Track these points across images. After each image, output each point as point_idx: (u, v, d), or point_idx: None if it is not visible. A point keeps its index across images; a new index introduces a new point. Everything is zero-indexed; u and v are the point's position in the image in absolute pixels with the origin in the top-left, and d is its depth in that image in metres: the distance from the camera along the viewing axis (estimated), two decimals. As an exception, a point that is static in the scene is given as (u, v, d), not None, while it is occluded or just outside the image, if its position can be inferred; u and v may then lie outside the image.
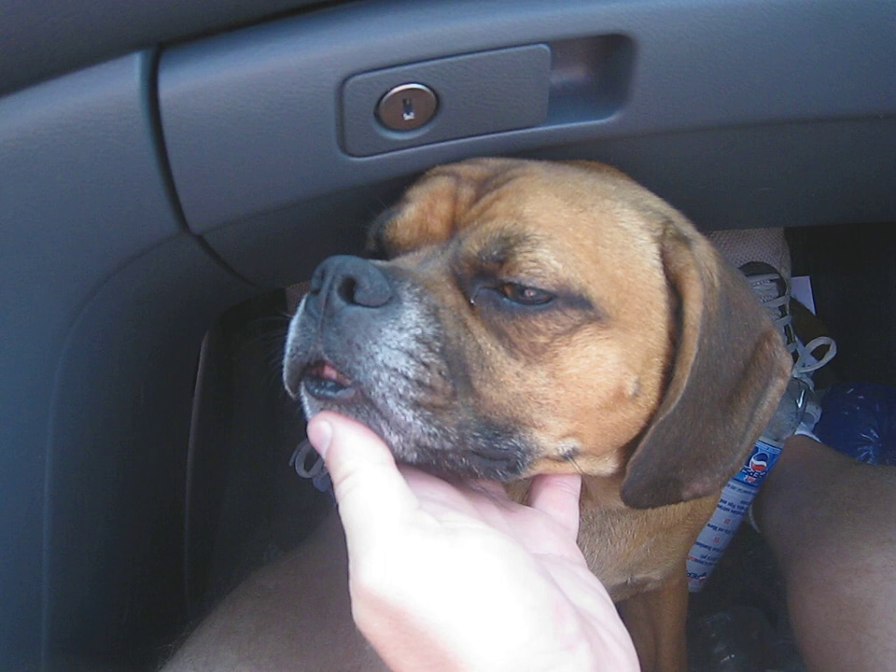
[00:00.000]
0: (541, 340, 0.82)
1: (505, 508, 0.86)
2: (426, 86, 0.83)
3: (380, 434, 0.76)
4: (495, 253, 0.82)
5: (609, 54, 0.88)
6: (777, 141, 1.00)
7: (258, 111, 0.83)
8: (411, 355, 0.76)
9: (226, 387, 1.88)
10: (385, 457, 0.74)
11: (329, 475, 1.84)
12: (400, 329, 0.77)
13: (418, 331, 0.78)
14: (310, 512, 1.87)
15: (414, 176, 0.95)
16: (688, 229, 0.92)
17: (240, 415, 1.96)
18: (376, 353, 0.76)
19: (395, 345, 0.76)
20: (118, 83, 0.79)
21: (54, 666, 1.12)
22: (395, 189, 0.94)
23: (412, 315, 0.78)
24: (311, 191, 0.92)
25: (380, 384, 0.75)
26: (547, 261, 0.81)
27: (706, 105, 0.91)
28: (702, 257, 0.88)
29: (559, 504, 0.89)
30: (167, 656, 1.09)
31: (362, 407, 0.76)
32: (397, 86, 0.83)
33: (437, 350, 0.78)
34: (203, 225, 0.94)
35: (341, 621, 1.09)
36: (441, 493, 0.79)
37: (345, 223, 0.98)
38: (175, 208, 0.89)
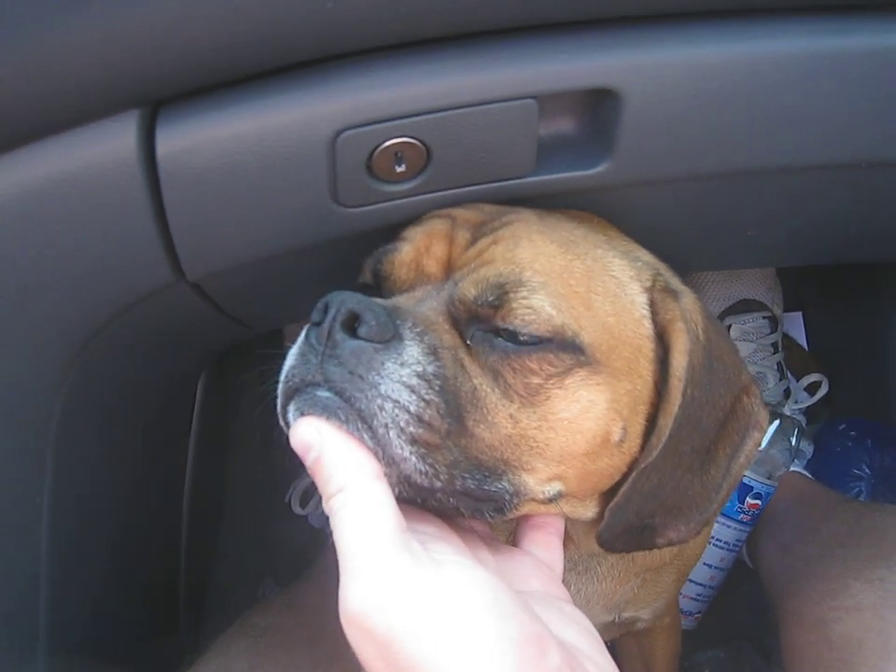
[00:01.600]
0: (536, 380, 0.82)
1: (492, 546, 0.86)
2: (416, 139, 0.85)
3: None
4: (490, 298, 0.83)
5: (595, 107, 0.90)
6: (763, 187, 1.02)
7: (252, 165, 0.84)
8: (412, 390, 0.76)
9: (222, 424, 1.89)
10: (378, 471, 0.73)
11: (323, 513, 1.85)
12: (402, 365, 0.77)
13: (419, 368, 0.77)
14: (306, 549, 1.87)
15: (407, 219, 0.96)
16: (675, 282, 0.93)
17: (236, 452, 1.97)
18: (379, 384, 0.75)
19: (397, 379, 0.76)
20: (116, 140, 0.81)
21: None
22: (391, 228, 0.96)
23: (413, 352, 0.78)
24: (305, 241, 0.94)
25: (383, 413, 0.75)
26: (542, 308, 0.82)
27: (691, 155, 0.93)
28: (688, 310, 0.89)
29: (544, 545, 0.89)
30: None
31: (354, 422, 0.74)
32: (388, 140, 0.84)
33: (436, 388, 0.78)
34: (199, 273, 0.95)
35: (334, 660, 1.09)
36: (431, 526, 0.79)
37: (340, 267, 1.00)
38: (171, 258, 0.91)
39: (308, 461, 0.73)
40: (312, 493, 1.82)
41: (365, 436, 0.74)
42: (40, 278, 0.90)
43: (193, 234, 0.90)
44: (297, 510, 1.83)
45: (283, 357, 0.82)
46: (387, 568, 0.64)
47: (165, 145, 0.82)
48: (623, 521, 0.90)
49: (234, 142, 0.83)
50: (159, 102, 0.82)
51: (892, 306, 1.88)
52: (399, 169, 0.88)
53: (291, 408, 0.79)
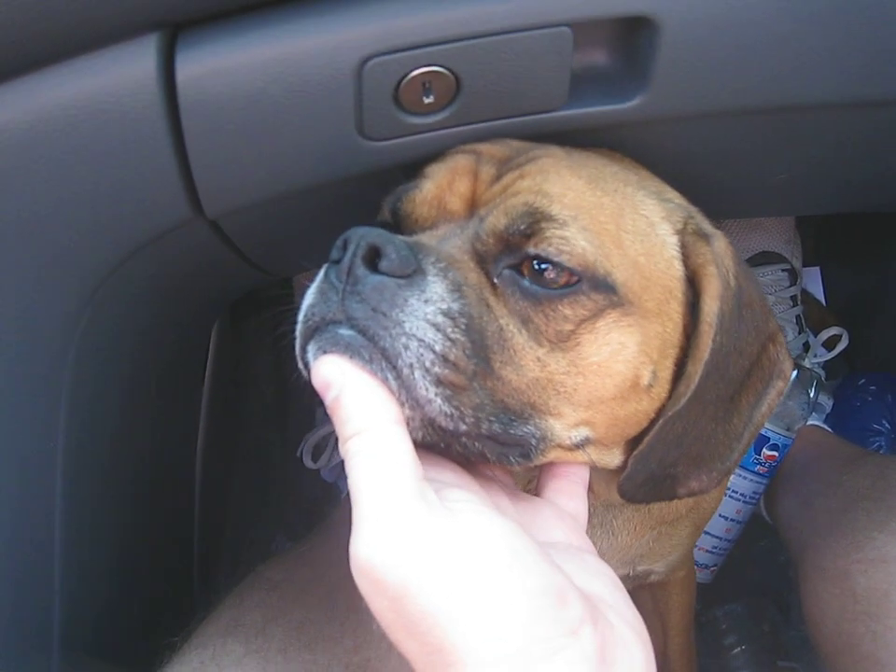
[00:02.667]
0: (568, 327, 0.81)
1: (514, 495, 0.84)
2: (446, 69, 0.82)
3: None
4: (522, 227, 0.81)
5: (630, 37, 0.87)
6: (799, 127, 0.99)
7: (275, 93, 0.81)
8: (437, 328, 0.74)
9: (234, 378, 1.87)
10: (399, 416, 0.71)
11: (336, 466, 1.84)
12: (426, 302, 0.75)
13: (444, 306, 0.75)
14: (318, 503, 1.86)
15: (434, 153, 0.93)
16: (707, 225, 0.91)
17: (248, 406, 1.96)
18: (403, 321, 0.73)
19: (422, 316, 0.74)
20: (134, 64, 0.78)
21: (66, 663, 1.12)
22: (414, 165, 0.93)
23: (437, 288, 0.76)
24: (329, 175, 0.91)
25: (408, 352, 0.73)
26: (575, 240, 0.80)
27: (728, 89, 0.90)
28: (720, 254, 0.87)
29: (568, 494, 0.88)
30: (173, 650, 1.08)
31: (378, 361, 0.73)
32: (416, 69, 0.81)
33: (462, 327, 0.76)
34: (219, 210, 0.93)
35: (349, 613, 1.08)
36: (448, 474, 0.77)
37: (361, 206, 0.97)
38: (190, 193, 0.88)
39: (328, 400, 0.71)
40: (323, 447, 1.81)
41: (389, 376, 0.73)
42: (54, 210, 0.87)
43: (213, 167, 0.87)
44: (308, 463, 1.82)
45: (294, 306, 0.80)
46: (401, 517, 0.63)
47: (185, 70, 0.79)
48: (646, 470, 0.89)
49: (257, 68, 0.80)
50: (178, 25, 0.79)
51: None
52: (428, 100, 0.84)
53: (311, 347, 0.77)
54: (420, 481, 0.66)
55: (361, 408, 0.69)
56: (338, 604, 1.11)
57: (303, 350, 0.79)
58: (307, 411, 1.84)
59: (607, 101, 0.90)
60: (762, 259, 1.95)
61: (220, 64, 0.80)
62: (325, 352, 0.74)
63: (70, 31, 0.75)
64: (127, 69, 0.79)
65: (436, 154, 0.92)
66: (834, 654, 1.19)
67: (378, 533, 0.62)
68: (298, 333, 0.79)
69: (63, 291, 0.95)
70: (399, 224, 0.91)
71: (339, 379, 0.71)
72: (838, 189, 1.25)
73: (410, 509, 0.63)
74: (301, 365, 0.81)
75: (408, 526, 0.63)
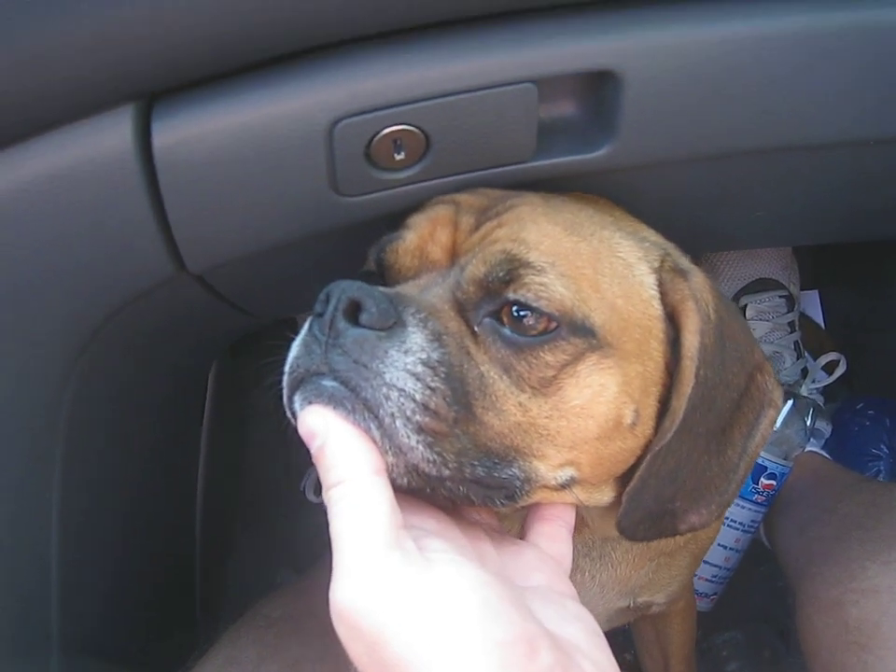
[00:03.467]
0: (550, 373, 0.82)
1: (497, 540, 0.85)
2: (415, 126, 0.84)
3: None
4: (501, 274, 0.82)
5: (595, 90, 0.89)
6: (768, 167, 1.01)
7: (250, 156, 0.84)
8: (417, 378, 0.76)
9: (236, 414, 1.89)
10: (380, 467, 0.72)
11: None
12: (406, 352, 0.76)
13: (424, 355, 0.77)
14: (322, 536, 1.87)
15: (408, 206, 0.95)
16: (684, 261, 0.92)
17: (250, 441, 1.97)
18: (384, 372, 0.75)
19: (402, 367, 0.76)
20: (112, 134, 0.81)
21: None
22: (395, 216, 0.95)
23: (417, 339, 0.77)
24: (305, 231, 0.93)
25: (389, 402, 0.74)
26: (553, 286, 0.81)
27: (693, 137, 0.92)
28: (698, 289, 0.88)
29: (552, 537, 0.88)
30: None
31: (360, 411, 0.74)
32: (386, 127, 0.84)
33: (442, 375, 0.77)
34: (201, 266, 0.95)
35: (345, 651, 1.09)
36: (432, 522, 0.78)
37: (344, 255, 0.99)
38: (172, 251, 0.91)
39: (313, 449, 0.73)
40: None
41: (371, 425, 0.74)
42: (40, 276, 0.90)
43: (193, 227, 0.89)
44: (311, 497, 1.83)
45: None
46: (377, 566, 0.64)
47: (161, 138, 0.82)
48: (643, 506, 0.89)
49: (231, 133, 0.83)
50: (154, 95, 0.82)
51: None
52: (399, 157, 0.87)
53: (297, 397, 0.78)
54: (397, 529, 0.67)
55: (343, 458, 0.71)
56: (334, 641, 1.10)
57: (290, 400, 0.80)
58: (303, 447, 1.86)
59: (575, 151, 0.92)
60: (758, 286, 1.95)
61: (195, 131, 0.82)
62: (310, 402, 0.76)
63: (50, 104, 0.78)
64: (105, 139, 0.81)
65: (412, 206, 0.94)
66: None
67: (355, 580, 0.64)
68: (284, 384, 0.81)
69: (53, 347, 0.97)
70: (383, 274, 0.93)
71: (323, 429, 0.73)
72: (819, 223, 1.26)
73: (386, 557, 0.65)
74: (288, 414, 0.82)
75: (383, 575, 0.64)
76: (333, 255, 1.04)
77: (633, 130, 0.90)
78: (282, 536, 1.97)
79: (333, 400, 0.75)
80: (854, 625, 1.14)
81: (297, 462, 1.95)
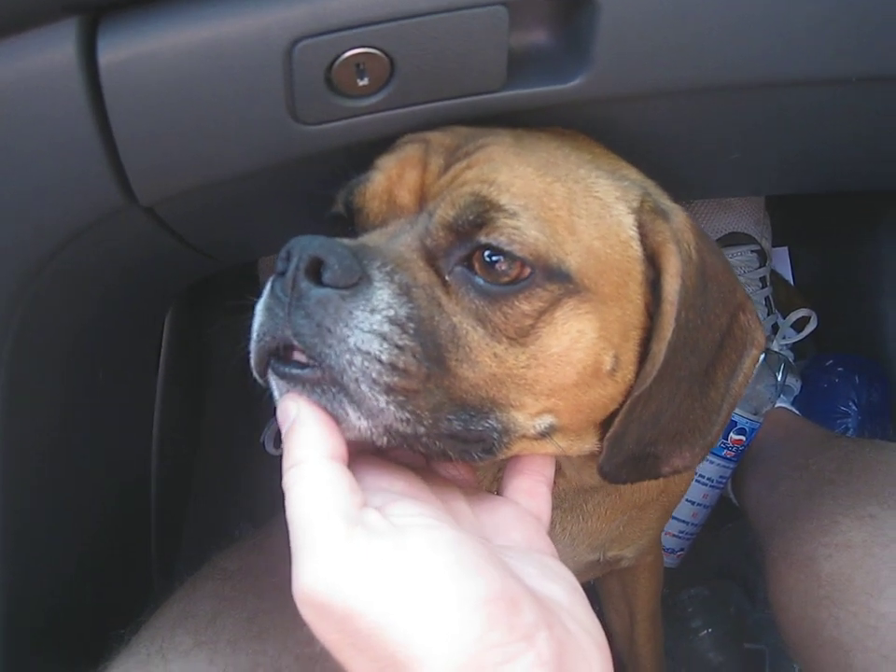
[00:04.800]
0: (528, 322, 0.80)
1: (473, 497, 0.84)
2: (379, 50, 0.80)
3: (347, 419, 0.74)
4: (471, 217, 0.79)
5: (570, 15, 0.85)
6: (747, 106, 0.97)
7: (203, 78, 0.79)
8: (384, 337, 0.74)
9: (197, 364, 1.86)
10: (336, 450, 0.72)
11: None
12: (372, 311, 0.74)
13: (391, 312, 0.75)
14: (280, 490, 1.84)
15: (385, 143, 0.91)
16: (665, 201, 0.90)
17: (213, 392, 1.94)
18: (348, 336, 0.73)
19: (367, 328, 0.74)
20: (54, 50, 0.76)
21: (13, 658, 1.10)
22: (363, 155, 0.91)
23: (383, 295, 0.75)
24: (262, 161, 0.89)
25: (353, 368, 0.73)
26: (527, 230, 0.79)
27: (671, 68, 0.88)
28: (679, 230, 0.86)
29: (530, 493, 0.87)
30: (121, 642, 1.06)
31: (329, 389, 0.74)
32: (348, 50, 0.79)
33: (410, 332, 0.75)
34: (152, 197, 0.90)
35: None
36: (401, 483, 0.77)
37: (306, 192, 0.95)
38: (120, 180, 0.86)
39: (283, 432, 0.74)
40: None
41: (342, 397, 0.74)
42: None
43: (142, 154, 0.85)
44: (270, 450, 1.81)
45: (256, 293, 0.80)
46: (339, 544, 0.64)
47: (107, 55, 0.77)
48: (625, 450, 0.88)
49: (183, 52, 0.78)
50: (99, 8, 0.77)
51: (879, 240, 1.86)
52: (362, 82, 0.82)
53: (272, 380, 0.78)
54: (357, 507, 0.67)
55: (299, 443, 0.71)
56: (292, 593, 1.10)
57: (261, 369, 0.79)
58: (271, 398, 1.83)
59: (548, 81, 0.88)
60: (730, 241, 1.95)
61: (144, 49, 0.77)
62: (285, 390, 0.76)
63: (-15, 15, 0.73)
64: (46, 55, 0.76)
65: (375, 136, 0.90)
66: (799, 639, 1.19)
67: (318, 561, 0.63)
68: (252, 351, 0.80)
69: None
70: (352, 218, 0.90)
71: (293, 413, 0.73)
72: (796, 169, 1.24)
73: (348, 534, 0.64)
74: (258, 378, 0.81)
75: (346, 553, 0.63)
76: (294, 191, 1.00)
77: (608, 59, 0.86)
78: (240, 488, 1.94)
79: (306, 387, 0.75)
80: (826, 580, 1.14)
81: (257, 413, 1.92)
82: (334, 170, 0.91)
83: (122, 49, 0.77)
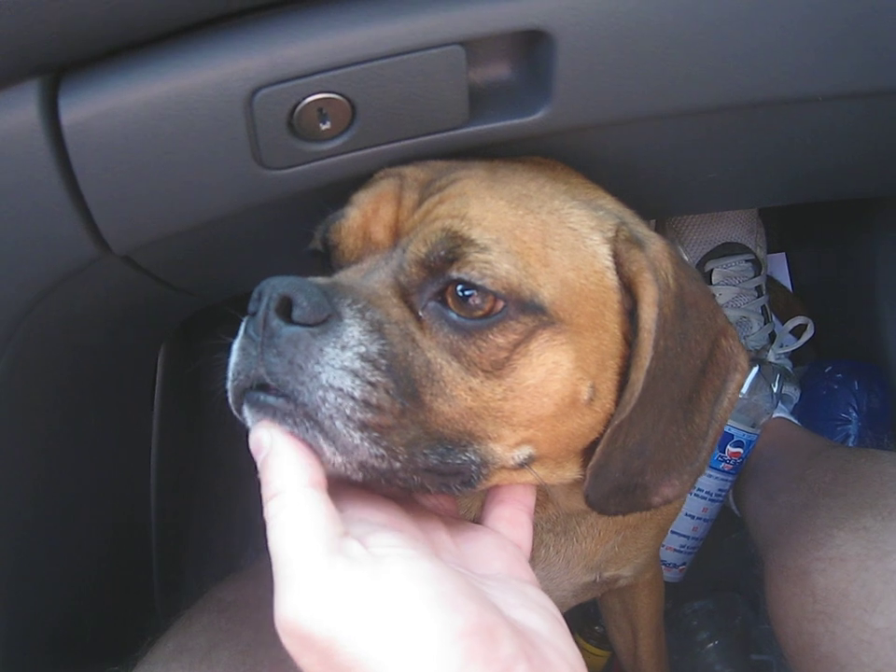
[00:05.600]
0: (503, 355, 0.80)
1: (454, 526, 0.84)
2: (338, 94, 0.81)
3: (322, 454, 0.74)
4: (443, 253, 0.80)
5: (528, 51, 0.86)
6: (712, 127, 0.98)
7: (166, 130, 0.81)
8: (356, 374, 0.74)
9: (193, 394, 1.86)
10: (315, 479, 0.71)
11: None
12: (343, 348, 0.75)
13: (362, 349, 0.75)
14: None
15: (361, 178, 0.92)
16: (642, 229, 0.90)
17: (209, 422, 1.95)
18: (319, 373, 0.74)
19: (338, 365, 0.74)
20: (16, 111, 0.78)
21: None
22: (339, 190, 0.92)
23: (353, 332, 0.76)
24: (231, 207, 0.90)
25: (326, 405, 0.73)
26: (499, 264, 0.79)
27: (632, 97, 0.89)
28: (656, 258, 0.86)
29: (511, 521, 0.87)
30: None
31: (302, 422, 0.74)
32: (308, 96, 0.81)
33: (382, 368, 0.75)
34: (126, 246, 0.92)
35: None
36: (381, 515, 0.77)
37: (281, 231, 0.96)
38: (92, 232, 0.88)
39: (258, 463, 0.73)
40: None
41: (316, 433, 0.74)
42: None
43: (112, 206, 0.86)
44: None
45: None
46: (320, 575, 0.63)
47: (70, 114, 0.79)
48: (610, 480, 0.88)
49: (144, 107, 0.80)
50: (60, 69, 0.79)
51: (877, 244, 1.84)
52: (324, 126, 0.84)
53: (246, 411, 0.78)
54: (338, 537, 0.66)
55: (278, 472, 0.70)
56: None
57: (237, 406, 0.79)
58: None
59: (510, 115, 0.89)
60: (724, 251, 1.94)
61: (106, 106, 0.79)
62: (260, 418, 0.76)
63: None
64: (9, 117, 0.78)
65: (341, 178, 0.91)
66: (797, 654, 1.18)
67: (299, 592, 0.63)
68: (229, 391, 0.80)
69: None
70: (329, 253, 0.91)
71: (267, 443, 0.73)
72: (774, 184, 1.24)
73: (328, 565, 0.64)
74: (237, 416, 0.81)
75: (328, 582, 0.63)
76: (268, 229, 1.01)
77: (569, 91, 0.87)
78: (244, 516, 1.94)
79: (278, 416, 0.74)
80: (821, 594, 1.14)
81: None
82: (307, 209, 0.92)
83: (84, 107, 0.79)
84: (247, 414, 0.78)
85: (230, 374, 0.79)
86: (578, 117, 0.89)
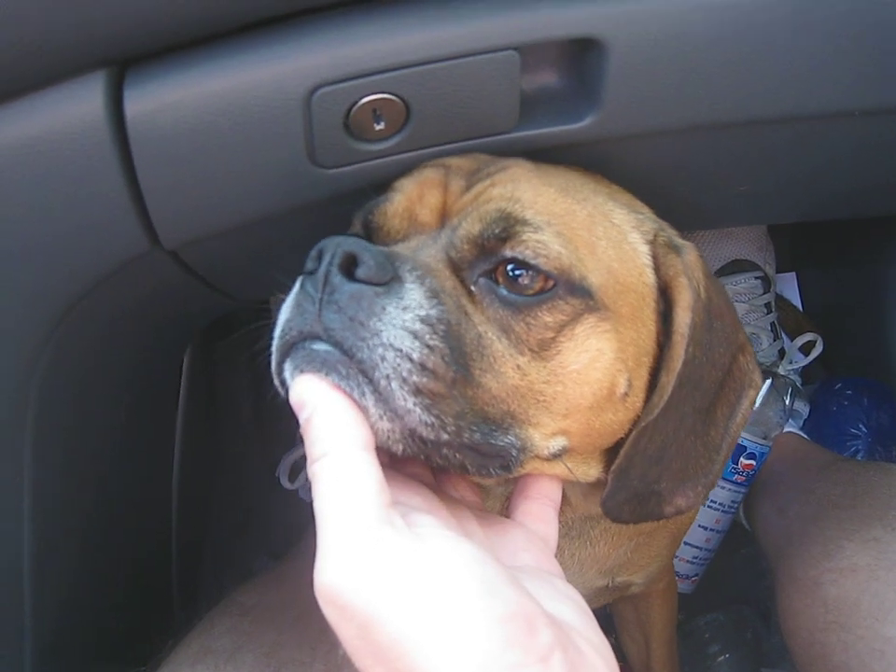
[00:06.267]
0: (549, 334, 0.80)
1: (482, 518, 0.83)
2: (395, 95, 0.82)
3: (367, 418, 0.72)
4: (497, 231, 0.81)
5: (579, 58, 0.87)
6: (754, 140, 0.99)
7: (225, 126, 0.82)
8: (415, 336, 0.73)
9: (211, 398, 1.87)
10: (368, 441, 0.69)
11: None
12: (405, 309, 0.74)
13: (422, 312, 0.75)
14: (300, 522, 1.86)
15: (392, 177, 0.93)
16: (678, 238, 0.91)
17: (226, 426, 1.95)
18: (381, 330, 0.73)
19: (400, 324, 0.73)
20: (82, 102, 0.79)
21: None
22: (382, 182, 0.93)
23: (415, 295, 0.75)
24: (283, 205, 0.91)
25: (385, 363, 0.72)
26: (551, 244, 0.80)
27: (680, 106, 0.90)
28: (691, 266, 0.88)
29: (538, 517, 0.87)
30: None
31: (354, 376, 0.72)
32: (365, 96, 0.82)
33: (440, 333, 0.75)
34: (176, 241, 0.93)
35: (321, 636, 1.07)
36: (417, 498, 0.76)
37: (324, 234, 0.97)
38: (145, 226, 0.88)
39: (301, 420, 0.71)
40: (301, 466, 1.79)
41: (366, 390, 0.72)
42: (10, 249, 0.87)
43: (167, 200, 0.87)
44: (286, 484, 1.81)
45: (270, 321, 0.79)
46: (366, 541, 0.62)
47: (134, 106, 0.80)
48: (628, 486, 0.88)
49: (206, 101, 0.81)
50: (126, 61, 0.80)
51: (887, 264, 1.86)
52: (378, 127, 0.85)
53: (288, 365, 0.76)
54: (386, 506, 0.65)
55: (329, 430, 0.68)
56: (310, 627, 1.09)
57: (280, 367, 0.78)
58: (287, 429, 1.83)
59: (558, 122, 0.90)
60: (734, 268, 1.95)
61: (169, 99, 0.80)
62: (301, 371, 0.74)
63: (18, 70, 0.76)
64: (75, 107, 0.79)
65: (392, 178, 0.92)
66: (809, 664, 1.19)
67: (343, 558, 0.61)
68: (274, 349, 0.79)
69: (23, 327, 0.94)
70: (370, 237, 0.90)
71: (312, 399, 0.70)
72: (802, 199, 1.25)
73: (375, 533, 0.62)
74: (277, 383, 0.80)
75: (373, 551, 0.61)
76: (312, 233, 1.01)
77: (617, 100, 0.88)
78: (258, 521, 1.94)
79: (326, 366, 0.72)
80: (833, 605, 1.15)
81: (272, 448, 1.93)
82: (348, 208, 0.93)
83: (149, 100, 0.80)
84: (289, 369, 0.76)
85: (278, 331, 0.78)
86: (624, 125, 0.91)
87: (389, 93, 0.82)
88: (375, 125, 0.85)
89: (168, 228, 0.90)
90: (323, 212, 0.95)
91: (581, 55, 0.87)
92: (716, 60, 0.87)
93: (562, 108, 0.90)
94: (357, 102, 0.82)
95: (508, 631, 0.60)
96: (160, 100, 0.80)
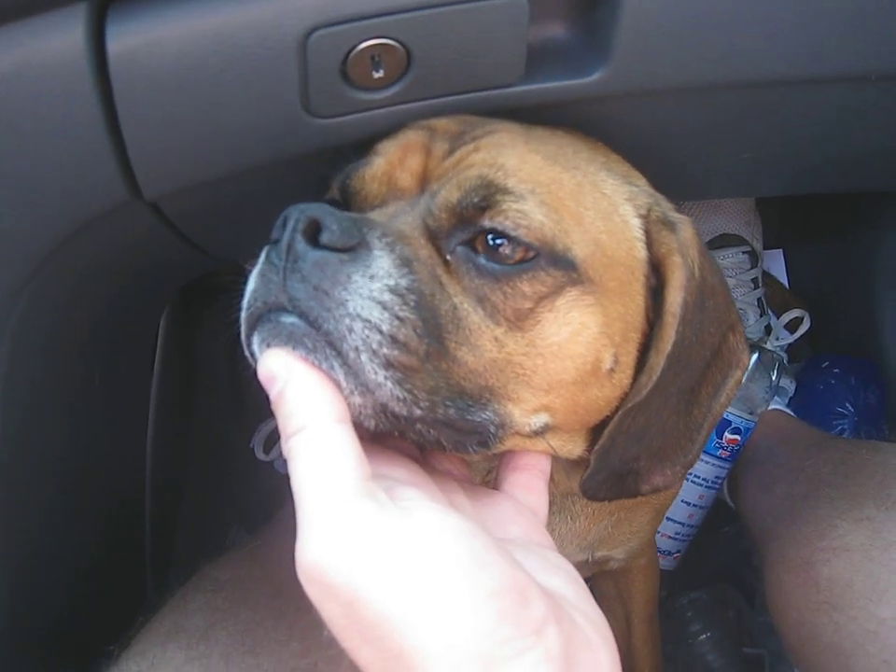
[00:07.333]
0: (527, 305, 0.77)
1: (470, 491, 0.81)
2: (396, 41, 0.78)
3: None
4: (476, 200, 0.77)
5: (590, 10, 0.83)
6: (765, 103, 0.96)
7: (214, 67, 0.77)
8: (384, 306, 0.70)
9: (188, 366, 1.83)
10: (343, 414, 0.67)
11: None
12: (372, 278, 0.71)
13: (391, 282, 0.72)
14: (275, 494, 1.82)
15: (386, 130, 0.89)
16: (673, 213, 0.88)
17: (202, 395, 1.91)
18: (347, 300, 0.70)
19: (367, 294, 0.70)
20: (61, 36, 0.73)
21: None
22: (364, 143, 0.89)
23: (383, 263, 0.72)
24: (273, 155, 0.87)
25: (353, 335, 0.69)
26: (533, 214, 0.77)
27: (692, 63, 0.87)
28: (686, 244, 0.85)
29: (527, 487, 0.85)
30: (111, 659, 1.02)
31: (322, 349, 0.69)
32: (365, 41, 0.77)
33: (411, 304, 0.72)
34: (157, 191, 0.88)
35: (299, 614, 1.03)
36: (401, 470, 0.74)
37: (313, 188, 0.93)
38: (125, 173, 0.83)
39: (272, 395, 0.68)
40: (276, 438, 1.76)
41: (335, 363, 0.69)
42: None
43: (149, 145, 0.82)
44: (260, 455, 1.78)
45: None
46: (347, 517, 0.60)
47: (116, 42, 0.74)
48: (608, 466, 0.87)
49: (194, 40, 0.75)
50: (109, -7, 0.74)
51: (874, 241, 1.85)
52: (378, 75, 0.80)
53: (256, 338, 0.73)
54: (366, 480, 0.63)
55: (304, 404, 0.66)
56: (287, 604, 1.06)
57: (249, 339, 0.75)
58: (263, 400, 1.80)
59: (566, 76, 0.86)
60: (721, 242, 1.94)
61: (154, 36, 0.75)
62: (269, 345, 0.71)
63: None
64: (54, 41, 0.73)
65: (389, 131, 0.88)
66: (799, 645, 1.18)
67: (324, 535, 0.59)
68: (242, 321, 0.76)
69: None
70: (348, 202, 0.87)
71: (283, 373, 0.68)
72: (803, 170, 1.23)
73: (357, 508, 0.60)
74: (247, 355, 0.77)
75: (356, 526, 0.60)
76: (300, 189, 0.97)
77: (628, 54, 0.84)
78: (233, 492, 1.91)
79: (293, 339, 0.70)
80: (825, 585, 1.13)
81: (248, 417, 1.89)
82: (339, 164, 0.89)
83: (132, 36, 0.75)
84: (257, 342, 0.73)
85: (245, 302, 0.75)
86: (634, 81, 0.87)
87: (390, 38, 0.78)
88: (374, 73, 0.80)
89: (150, 176, 0.85)
90: (311, 170, 0.92)
91: (592, 6, 0.83)
92: (734, 15, 0.83)
93: (570, 62, 0.86)
94: (355, 46, 0.77)
95: (500, 604, 0.59)
96: (145, 36, 0.75)
